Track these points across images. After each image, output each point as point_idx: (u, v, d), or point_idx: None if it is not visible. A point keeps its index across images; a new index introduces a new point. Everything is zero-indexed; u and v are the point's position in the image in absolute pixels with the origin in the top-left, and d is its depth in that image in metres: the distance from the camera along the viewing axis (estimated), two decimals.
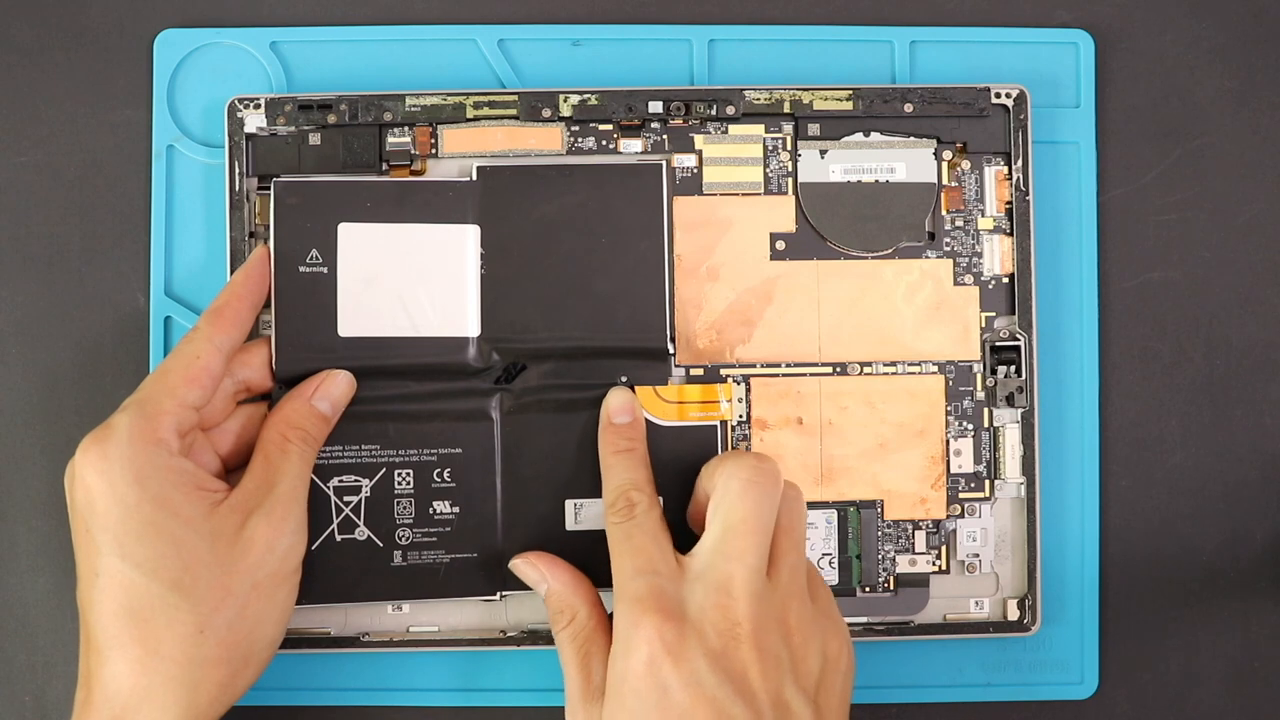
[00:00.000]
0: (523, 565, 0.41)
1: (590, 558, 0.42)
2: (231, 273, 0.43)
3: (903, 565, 0.44)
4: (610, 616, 0.39)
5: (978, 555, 0.44)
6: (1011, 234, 0.44)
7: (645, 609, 0.36)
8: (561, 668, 0.39)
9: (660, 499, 0.40)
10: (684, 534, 0.40)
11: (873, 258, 0.44)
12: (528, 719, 0.45)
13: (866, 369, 0.44)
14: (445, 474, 0.43)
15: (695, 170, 0.44)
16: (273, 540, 0.39)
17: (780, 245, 0.44)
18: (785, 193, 0.44)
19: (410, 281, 0.43)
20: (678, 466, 0.42)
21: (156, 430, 0.38)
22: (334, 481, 0.43)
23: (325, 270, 0.43)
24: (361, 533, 0.43)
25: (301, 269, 0.43)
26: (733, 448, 0.44)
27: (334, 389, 0.42)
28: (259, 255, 0.42)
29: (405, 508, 0.43)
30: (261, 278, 0.42)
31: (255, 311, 0.42)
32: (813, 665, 0.37)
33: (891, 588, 0.44)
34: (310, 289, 0.43)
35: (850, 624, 0.44)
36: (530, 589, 0.42)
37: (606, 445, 0.42)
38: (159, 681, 0.37)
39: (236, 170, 0.43)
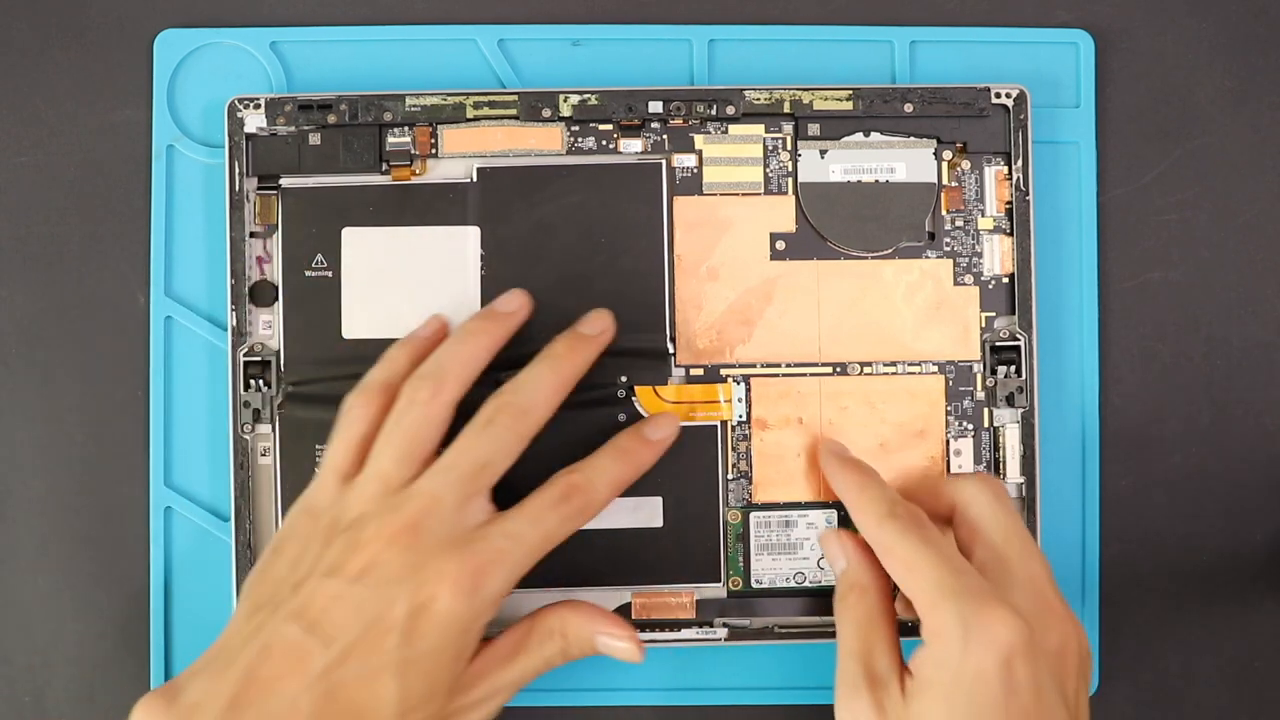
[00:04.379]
0: (830, 536, 0.41)
1: (589, 556, 0.42)
2: (232, 279, 0.43)
3: None
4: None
5: None
6: (1011, 234, 0.44)
7: (989, 603, 0.35)
8: (836, 651, 0.39)
9: None
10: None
11: (873, 258, 0.44)
12: (528, 718, 0.45)
13: (866, 369, 0.44)
14: None
15: (695, 170, 0.44)
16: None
17: (780, 245, 0.44)
18: (785, 193, 0.44)
19: (412, 283, 0.43)
20: (678, 467, 0.42)
21: (495, 608, 0.38)
22: None
23: (330, 274, 0.43)
24: None
25: (308, 273, 0.43)
26: (745, 447, 0.44)
27: None
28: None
29: None
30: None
31: None
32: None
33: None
34: (316, 293, 0.43)
35: None
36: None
37: (838, 468, 0.42)
38: None
39: (236, 170, 0.43)
